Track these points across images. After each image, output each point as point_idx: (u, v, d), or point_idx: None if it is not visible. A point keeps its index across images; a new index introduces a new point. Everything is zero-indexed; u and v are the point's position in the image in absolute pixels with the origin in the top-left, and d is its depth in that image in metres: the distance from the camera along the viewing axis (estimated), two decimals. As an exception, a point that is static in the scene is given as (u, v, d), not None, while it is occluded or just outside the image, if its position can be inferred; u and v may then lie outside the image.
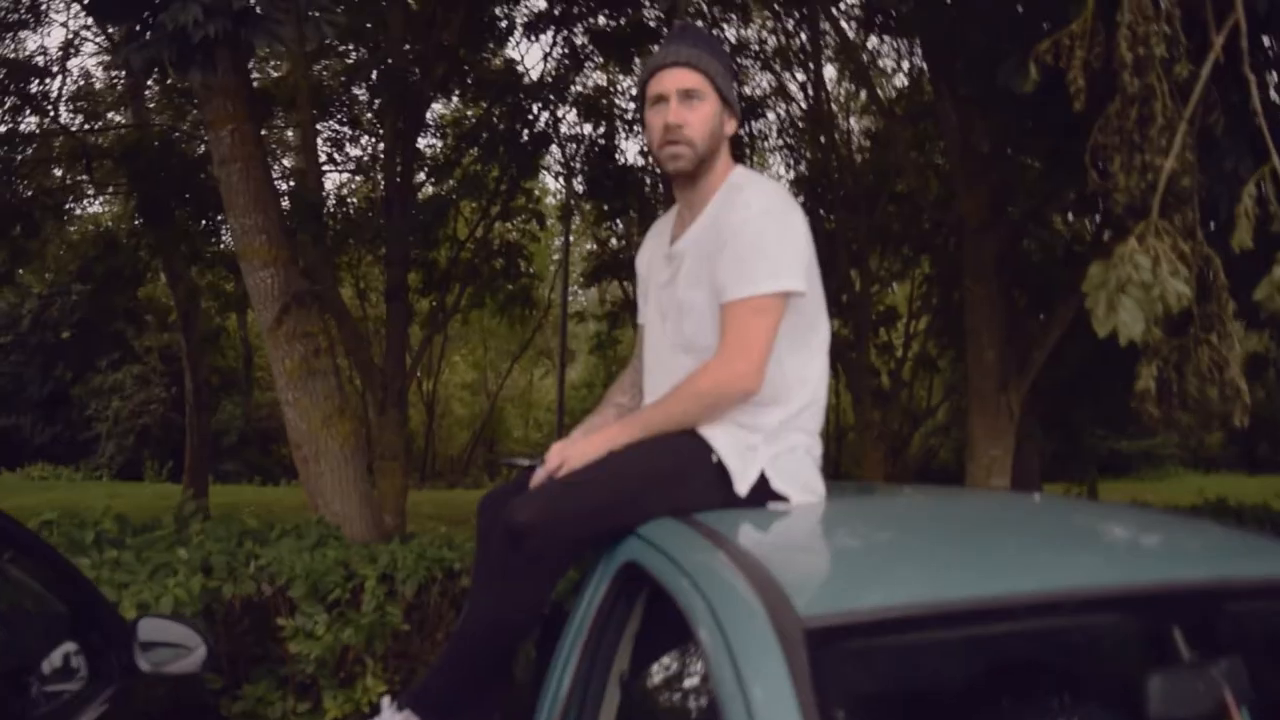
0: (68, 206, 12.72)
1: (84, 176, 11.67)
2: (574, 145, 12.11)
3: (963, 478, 7.28)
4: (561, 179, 14.48)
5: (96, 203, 15.75)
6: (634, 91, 12.86)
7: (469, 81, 10.76)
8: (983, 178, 6.28)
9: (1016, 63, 3.62)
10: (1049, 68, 3.49)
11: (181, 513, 5.63)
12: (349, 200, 12.81)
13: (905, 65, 12.86)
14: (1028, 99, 3.77)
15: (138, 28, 4.20)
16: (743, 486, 2.21)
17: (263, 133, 14.41)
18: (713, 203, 2.37)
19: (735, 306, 2.22)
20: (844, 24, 10.70)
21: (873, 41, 12.08)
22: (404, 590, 4.80)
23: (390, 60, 8.93)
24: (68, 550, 4.60)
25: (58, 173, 12.21)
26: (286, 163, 14.30)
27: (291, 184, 11.64)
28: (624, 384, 2.68)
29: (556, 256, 23.23)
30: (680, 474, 2.19)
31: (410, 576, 4.81)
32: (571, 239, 20.81)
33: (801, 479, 2.29)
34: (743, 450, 2.24)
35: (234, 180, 5.52)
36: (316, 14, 3.90)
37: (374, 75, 8.99)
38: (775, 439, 2.28)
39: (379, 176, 10.62)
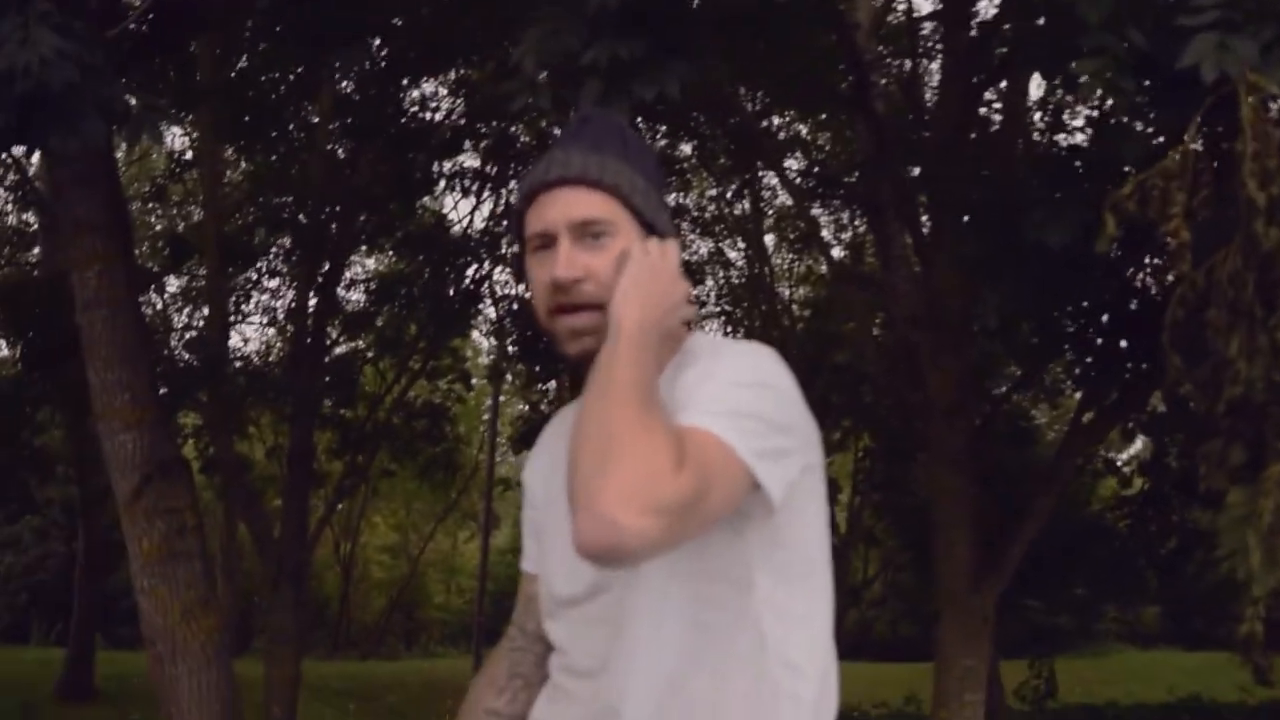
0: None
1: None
2: (506, 304, 11.64)
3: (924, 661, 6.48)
4: (492, 338, 14.00)
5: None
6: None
7: (398, 235, 10.25)
8: (956, 354, 5.68)
9: (1050, 213, 3.03)
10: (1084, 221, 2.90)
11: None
12: (258, 354, 12.07)
13: (848, 234, 12.80)
14: (1054, 258, 3.16)
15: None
16: None
17: (179, 283, 13.87)
18: None
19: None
20: (787, 191, 10.50)
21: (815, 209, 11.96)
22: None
23: (306, 211, 8.41)
24: None
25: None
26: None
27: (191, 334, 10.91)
28: (495, 678, 1.58)
29: (487, 417, 22.51)
30: None
31: (267, 818, 3.90)
32: (502, 399, 20.12)
33: None
34: None
35: (97, 328, 4.76)
36: (132, 101, 3.21)
37: (286, 224, 8.42)
38: None
39: (289, 330, 9.96)
